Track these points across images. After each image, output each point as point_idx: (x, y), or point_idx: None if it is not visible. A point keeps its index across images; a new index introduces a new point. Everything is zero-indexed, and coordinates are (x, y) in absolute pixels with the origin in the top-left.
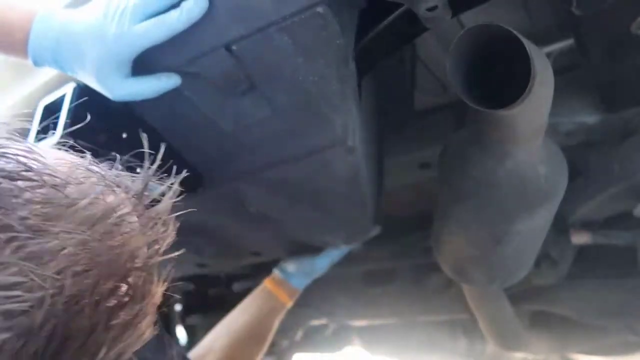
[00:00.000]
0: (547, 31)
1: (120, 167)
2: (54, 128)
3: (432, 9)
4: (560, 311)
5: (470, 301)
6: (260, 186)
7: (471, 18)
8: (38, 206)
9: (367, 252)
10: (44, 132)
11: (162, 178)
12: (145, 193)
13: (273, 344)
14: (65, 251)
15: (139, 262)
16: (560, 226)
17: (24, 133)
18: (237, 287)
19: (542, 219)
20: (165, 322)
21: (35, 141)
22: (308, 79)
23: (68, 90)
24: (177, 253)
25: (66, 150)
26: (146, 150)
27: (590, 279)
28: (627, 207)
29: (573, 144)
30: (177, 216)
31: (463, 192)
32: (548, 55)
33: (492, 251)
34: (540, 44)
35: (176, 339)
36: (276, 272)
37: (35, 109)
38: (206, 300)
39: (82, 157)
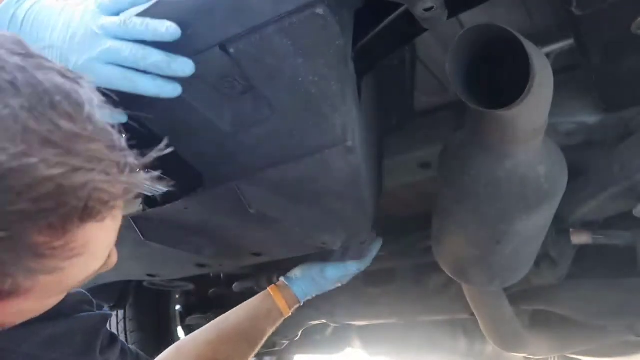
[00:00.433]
0: (547, 31)
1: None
2: None
3: (429, 9)
4: (560, 311)
5: (470, 301)
6: (260, 186)
7: (471, 18)
8: None
9: None
10: None
11: (161, 178)
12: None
13: (273, 344)
14: None
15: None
16: (560, 226)
17: None
18: (237, 287)
19: (542, 219)
20: (166, 322)
21: None
22: (308, 79)
23: None
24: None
25: None
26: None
27: (590, 279)
28: (627, 207)
29: (573, 144)
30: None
31: (463, 192)
32: (548, 55)
33: (492, 251)
34: (540, 44)
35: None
36: (281, 279)
37: None
38: (206, 300)
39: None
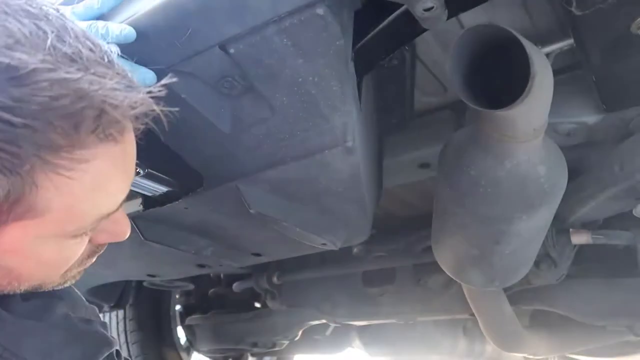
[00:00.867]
0: (547, 31)
1: None
2: None
3: (429, 9)
4: (560, 311)
5: (470, 301)
6: (260, 186)
7: (471, 18)
8: None
9: (367, 252)
10: None
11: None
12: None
13: (273, 344)
14: None
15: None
16: (560, 226)
17: None
18: (237, 287)
19: (541, 219)
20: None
21: None
22: (308, 79)
23: None
24: None
25: None
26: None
27: (590, 279)
28: (627, 207)
29: (573, 144)
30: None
31: (462, 192)
32: (548, 55)
33: (492, 251)
34: (540, 44)
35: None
36: None
37: None
38: (206, 300)
39: None
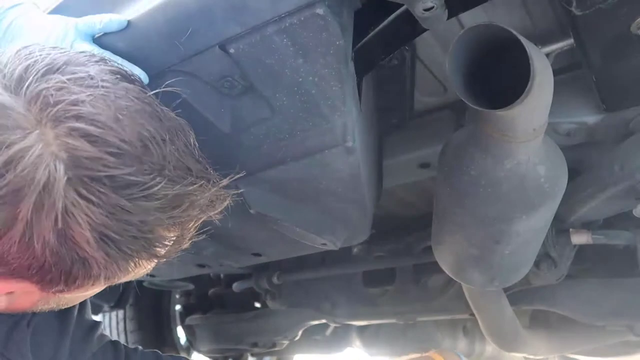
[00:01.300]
0: (547, 31)
1: None
2: None
3: (429, 9)
4: (560, 311)
5: (470, 301)
6: (260, 186)
7: (471, 18)
8: None
9: (367, 252)
10: None
11: None
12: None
13: (273, 344)
14: None
15: None
16: (560, 226)
17: None
18: (237, 287)
19: (541, 219)
20: (166, 322)
21: None
22: (308, 79)
23: None
24: None
25: None
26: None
27: (591, 279)
28: (627, 207)
29: (573, 144)
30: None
31: (462, 192)
32: (548, 55)
33: (492, 251)
34: (540, 44)
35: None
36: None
37: None
38: (206, 300)
39: None
